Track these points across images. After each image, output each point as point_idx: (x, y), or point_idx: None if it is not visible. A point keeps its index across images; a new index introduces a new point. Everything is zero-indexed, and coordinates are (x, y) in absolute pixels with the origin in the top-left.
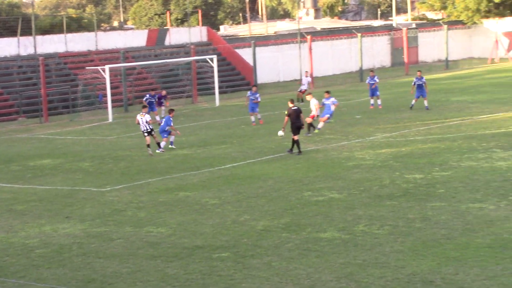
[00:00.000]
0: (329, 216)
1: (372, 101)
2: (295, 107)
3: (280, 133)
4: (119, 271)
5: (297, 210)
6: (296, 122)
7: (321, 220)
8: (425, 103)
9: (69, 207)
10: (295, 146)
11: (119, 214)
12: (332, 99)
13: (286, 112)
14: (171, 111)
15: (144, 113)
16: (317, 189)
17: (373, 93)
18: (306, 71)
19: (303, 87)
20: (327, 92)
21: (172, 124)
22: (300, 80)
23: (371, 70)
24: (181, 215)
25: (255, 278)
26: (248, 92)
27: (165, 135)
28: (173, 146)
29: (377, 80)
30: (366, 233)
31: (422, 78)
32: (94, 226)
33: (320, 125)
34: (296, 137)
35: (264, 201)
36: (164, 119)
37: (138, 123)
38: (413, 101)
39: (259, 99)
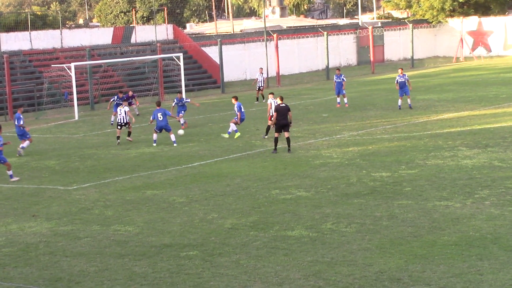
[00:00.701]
0: (297, 214)
1: (338, 99)
2: (284, 104)
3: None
4: (86, 270)
5: (265, 208)
6: (281, 120)
7: (288, 218)
8: (408, 101)
9: (36, 205)
10: (286, 143)
11: (86, 213)
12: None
13: (273, 108)
14: (159, 103)
15: (123, 106)
16: (284, 187)
17: (339, 91)
18: (261, 68)
19: (261, 84)
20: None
21: (171, 113)
22: (256, 79)
23: (337, 68)
24: (149, 213)
25: (223, 276)
26: (175, 99)
27: (169, 128)
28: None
29: (345, 79)
30: (334, 231)
31: (404, 75)
32: (61, 224)
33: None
34: (277, 135)
35: (232, 199)
36: (158, 113)
37: (115, 114)
38: (399, 101)
39: (188, 100)
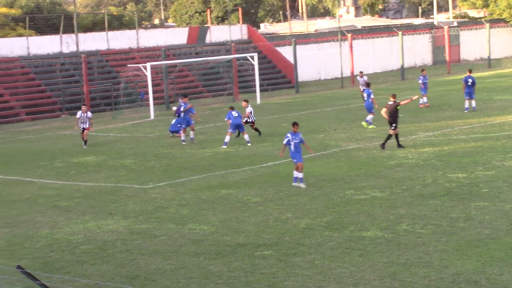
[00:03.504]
0: (372, 215)
1: (421, 100)
2: (391, 102)
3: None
4: (162, 268)
5: (340, 208)
6: (389, 117)
7: (363, 218)
8: (473, 103)
9: (113, 203)
10: (395, 140)
11: (162, 211)
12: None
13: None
14: (232, 108)
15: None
16: (359, 187)
17: (425, 91)
18: (361, 72)
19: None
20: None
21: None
22: (358, 81)
23: (423, 69)
24: (224, 212)
25: (298, 276)
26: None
27: (243, 128)
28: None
29: (427, 79)
30: (409, 232)
31: (470, 76)
32: (137, 223)
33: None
34: (391, 132)
35: (306, 199)
36: (233, 111)
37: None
38: (466, 102)
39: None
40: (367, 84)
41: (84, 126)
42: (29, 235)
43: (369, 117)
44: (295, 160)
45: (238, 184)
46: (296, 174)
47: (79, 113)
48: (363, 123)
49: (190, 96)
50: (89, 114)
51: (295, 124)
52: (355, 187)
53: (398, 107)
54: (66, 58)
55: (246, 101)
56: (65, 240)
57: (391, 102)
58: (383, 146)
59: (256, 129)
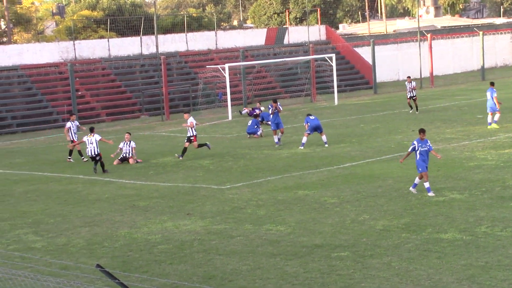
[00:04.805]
0: (450, 216)
1: None
2: None
3: None
4: (239, 268)
5: (417, 210)
6: None
7: (441, 220)
8: None
9: (190, 204)
10: None
11: (239, 212)
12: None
13: None
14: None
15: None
16: (437, 189)
17: None
18: (408, 76)
19: (413, 94)
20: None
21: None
22: (407, 87)
23: None
24: (300, 213)
25: (375, 278)
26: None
27: (322, 129)
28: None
29: None
30: (488, 235)
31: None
32: (214, 223)
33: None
34: None
35: (384, 201)
36: (311, 116)
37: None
38: None
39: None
40: (491, 83)
41: (126, 156)
42: (109, 234)
43: (496, 116)
44: (420, 169)
45: (315, 185)
46: (418, 180)
47: (121, 144)
48: (493, 125)
49: (267, 97)
50: (133, 144)
51: (422, 131)
52: (433, 189)
53: None
54: (146, 60)
55: (188, 113)
56: (144, 240)
57: None
58: None
59: (199, 145)
